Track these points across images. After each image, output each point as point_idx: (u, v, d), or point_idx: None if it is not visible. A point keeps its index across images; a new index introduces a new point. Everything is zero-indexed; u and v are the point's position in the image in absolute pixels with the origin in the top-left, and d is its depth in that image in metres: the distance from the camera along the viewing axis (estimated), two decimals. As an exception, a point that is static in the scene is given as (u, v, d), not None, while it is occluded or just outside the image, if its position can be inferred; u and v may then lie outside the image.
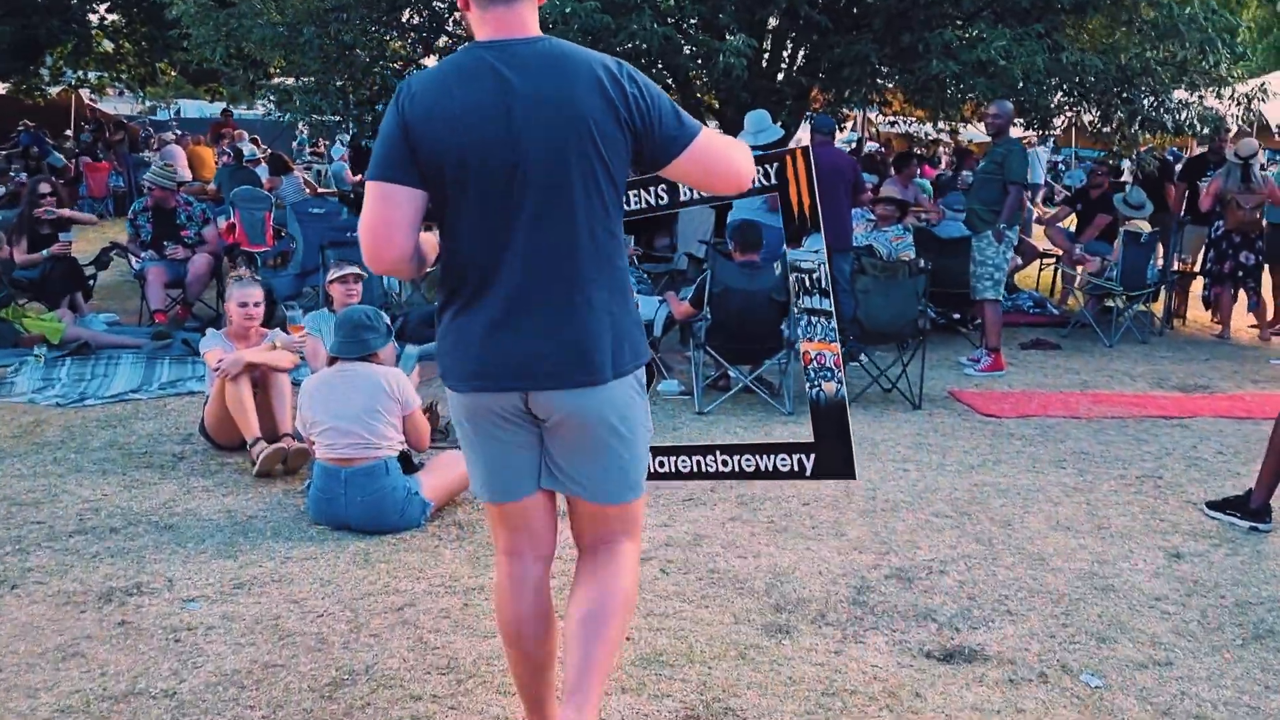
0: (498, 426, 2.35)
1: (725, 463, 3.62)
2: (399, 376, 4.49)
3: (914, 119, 14.63)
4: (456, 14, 12.27)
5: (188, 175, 16.04)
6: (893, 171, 10.73)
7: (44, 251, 8.07)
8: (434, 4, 11.54)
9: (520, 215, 2.23)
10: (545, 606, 2.50)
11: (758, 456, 3.57)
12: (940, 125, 13.01)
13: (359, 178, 15.46)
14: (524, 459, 2.40)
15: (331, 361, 4.56)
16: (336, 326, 4.50)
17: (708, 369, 6.77)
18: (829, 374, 3.16)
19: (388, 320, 4.69)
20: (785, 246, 3.20)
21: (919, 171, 11.54)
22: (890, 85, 10.52)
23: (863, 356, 6.78)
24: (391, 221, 2.21)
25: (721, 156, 2.41)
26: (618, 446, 2.37)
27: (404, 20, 11.62)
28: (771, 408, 6.52)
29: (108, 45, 24.51)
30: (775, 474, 3.56)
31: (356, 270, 5.52)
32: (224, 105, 24.16)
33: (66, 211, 8.73)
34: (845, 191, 7.88)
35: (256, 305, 5.44)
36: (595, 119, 2.23)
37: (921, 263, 6.61)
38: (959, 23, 9.24)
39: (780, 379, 6.66)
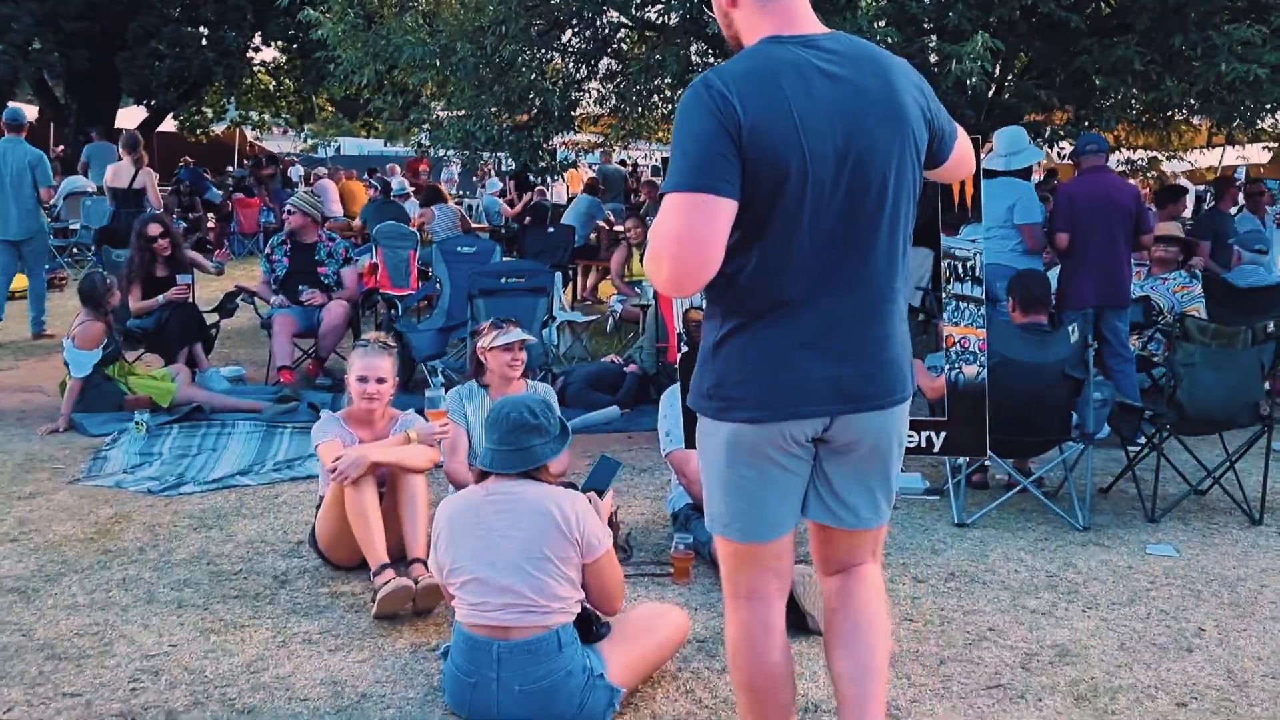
0: (787, 456, 2.24)
1: None
2: (578, 505, 3.03)
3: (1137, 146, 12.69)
4: (620, 33, 11.15)
5: (338, 210, 15.27)
6: (1153, 208, 8.85)
7: (159, 298, 7.02)
8: (596, 23, 10.33)
9: (842, 224, 2.13)
10: (788, 648, 2.41)
11: None
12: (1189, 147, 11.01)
13: (516, 210, 14.33)
14: (797, 492, 2.32)
15: (481, 476, 3.13)
16: (489, 425, 3.08)
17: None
18: (971, 357, 2.99)
19: (558, 413, 3.25)
20: (941, 233, 2.90)
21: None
22: (1143, 101, 8.67)
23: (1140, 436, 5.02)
24: (710, 239, 2.00)
25: (965, 142, 2.44)
26: (895, 465, 2.35)
27: (564, 41, 10.44)
28: (1056, 519, 4.84)
29: (267, 80, 24.48)
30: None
31: (522, 335, 4.12)
32: (408, 145, 23.69)
33: (194, 256, 7.69)
34: (1125, 231, 6.15)
35: (380, 382, 4.10)
36: (913, 122, 2.18)
37: (1270, 326, 4.84)
38: (1250, 20, 7.36)
39: (1066, 476, 4.98)
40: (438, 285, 7.93)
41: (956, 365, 3.02)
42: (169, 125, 23.06)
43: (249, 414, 6.41)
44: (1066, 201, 6.18)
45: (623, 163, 24.33)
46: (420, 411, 4.24)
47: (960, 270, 2.92)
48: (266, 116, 27.20)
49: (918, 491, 5.23)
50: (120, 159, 10.00)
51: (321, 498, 4.08)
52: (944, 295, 2.98)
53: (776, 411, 2.17)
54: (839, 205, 2.10)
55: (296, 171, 21.34)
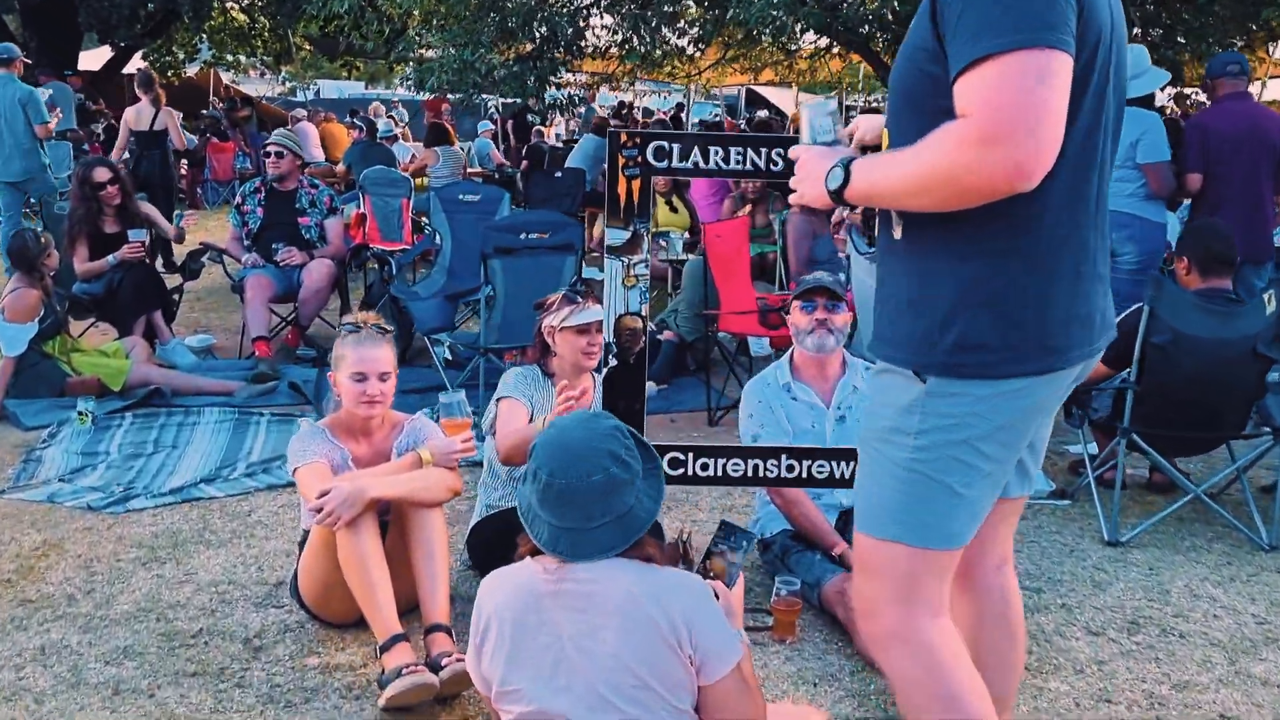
0: (1043, 415, 1.89)
1: (791, 468, 2.77)
2: (693, 603, 1.97)
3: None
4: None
5: (319, 155, 14.08)
6: None
7: (110, 258, 5.93)
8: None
9: (1094, 120, 1.74)
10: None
11: (833, 462, 2.81)
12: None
13: (514, 155, 13.18)
14: None
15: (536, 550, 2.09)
16: (544, 496, 2.00)
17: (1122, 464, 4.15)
18: None
19: (646, 448, 2.17)
20: None
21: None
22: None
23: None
24: (1060, 109, 1.57)
25: None
26: None
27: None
28: (1226, 533, 3.87)
29: (240, 17, 23.08)
30: (853, 482, 2.49)
31: (599, 314, 3.02)
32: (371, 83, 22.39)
33: (150, 210, 6.55)
34: (1268, 169, 5.12)
35: (384, 379, 3.05)
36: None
37: None
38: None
39: (1238, 478, 4.00)
40: (437, 239, 6.85)
41: None
42: (138, 66, 21.70)
43: (218, 397, 5.37)
44: (1199, 135, 5.14)
45: (620, 103, 23.11)
46: (435, 417, 3.22)
47: None
48: (242, 58, 25.81)
49: (1042, 495, 4.25)
50: (139, 99, 9.37)
51: (305, 533, 3.06)
52: None
53: (1071, 354, 1.78)
54: (1098, 99, 1.73)
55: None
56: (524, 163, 13.97)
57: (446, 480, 2.98)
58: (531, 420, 3.23)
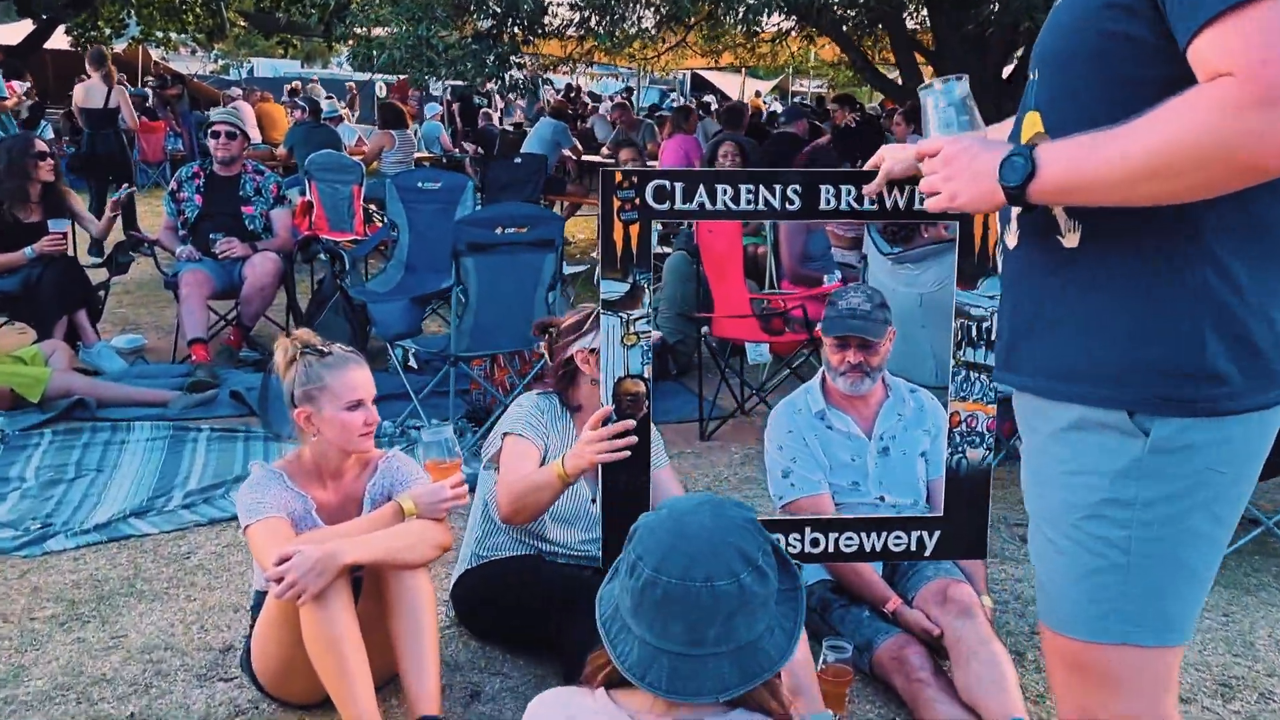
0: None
1: (816, 542, 2.44)
2: None
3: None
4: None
5: (256, 137, 13.34)
6: None
7: (27, 250, 5.28)
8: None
9: None
10: None
11: (863, 534, 2.46)
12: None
13: (470, 143, 12.60)
14: None
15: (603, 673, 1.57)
16: (638, 601, 1.48)
17: None
18: (978, 439, 2.41)
19: (785, 560, 1.59)
20: (955, 287, 2.31)
21: None
22: None
23: None
24: None
25: None
26: None
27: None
28: (1295, 567, 3.50)
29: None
30: (886, 554, 2.47)
31: (649, 321, 2.50)
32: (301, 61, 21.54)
33: (74, 202, 5.85)
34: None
35: (368, 424, 2.53)
36: None
37: None
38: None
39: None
40: (393, 232, 6.28)
41: (960, 449, 2.41)
42: (62, 42, 20.60)
43: (150, 408, 4.78)
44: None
45: (569, 86, 22.53)
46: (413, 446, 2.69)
47: (973, 334, 2.37)
48: (172, 34, 24.75)
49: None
50: (88, 76, 8.90)
51: (260, 594, 2.53)
52: (952, 364, 2.39)
53: None
54: None
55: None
56: (472, 148, 13.39)
57: (434, 536, 2.47)
58: (545, 463, 2.73)
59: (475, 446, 4.40)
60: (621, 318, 2.27)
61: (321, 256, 6.23)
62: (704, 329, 4.90)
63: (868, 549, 2.48)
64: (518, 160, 8.87)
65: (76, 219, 5.65)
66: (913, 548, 2.50)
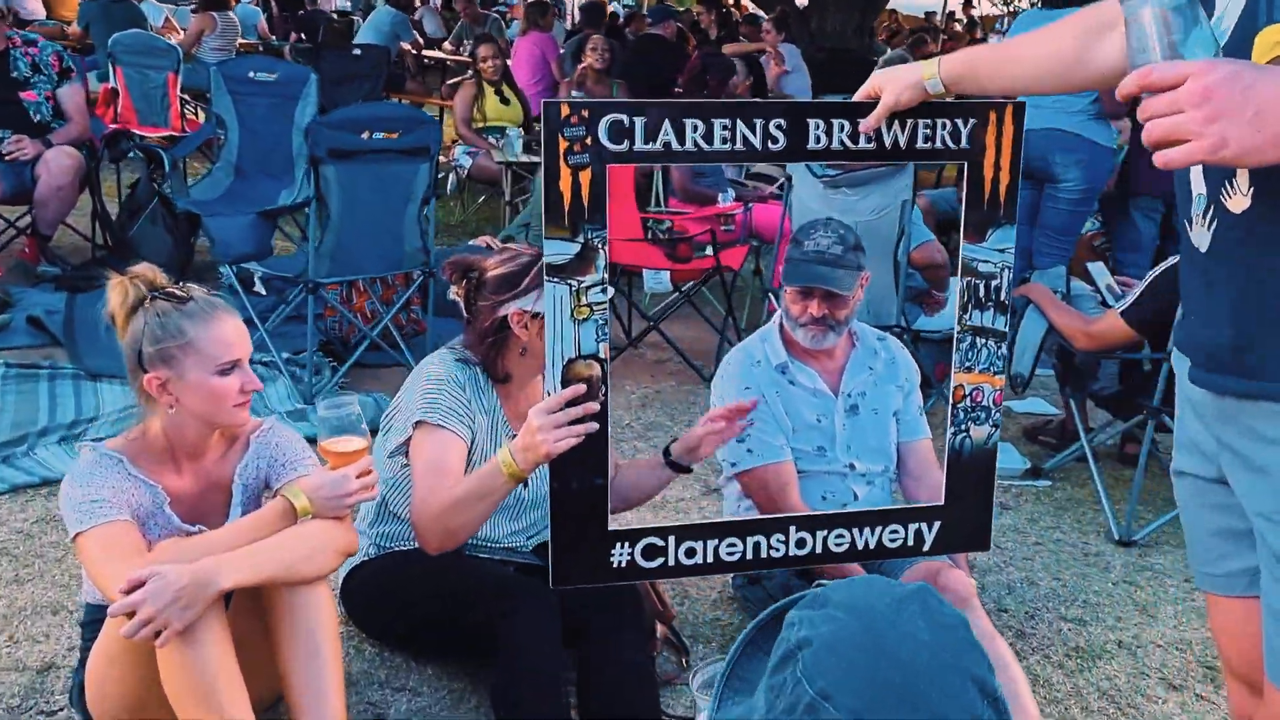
0: None
1: (802, 543, 2.09)
2: None
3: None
4: None
5: (38, 10, 11.71)
6: None
7: None
8: None
9: None
10: None
11: (854, 530, 2.12)
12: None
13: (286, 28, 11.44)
14: None
15: None
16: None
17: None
18: (983, 415, 2.07)
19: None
20: (961, 239, 2.02)
21: None
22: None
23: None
24: None
25: None
26: None
27: None
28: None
29: None
30: (881, 552, 2.15)
31: (604, 290, 1.92)
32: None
33: None
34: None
35: (245, 391, 1.92)
36: None
37: None
38: None
39: None
40: (219, 129, 5.43)
41: (963, 426, 2.08)
42: None
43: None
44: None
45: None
46: (309, 438, 2.11)
47: (981, 293, 2.06)
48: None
49: (1016, 474, 3.58)
50: None
51: (94, 610, 1.92)
52: (956, 329, 2.08)
53: None
54: None
55: None
56: (294, 35, 12.17)
57: (336, 539, 1.90)
58: (472, 456, 2.18)
59: (332, 388, 3.79)
60: (570, 286, 1.81)
61: (134, 155, 5.32)
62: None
63: (860, 546, 2.13)
64: (356, 52, 7.97)
65: None
66: (910, 542, 2.16)
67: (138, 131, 6.10)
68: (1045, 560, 3.03)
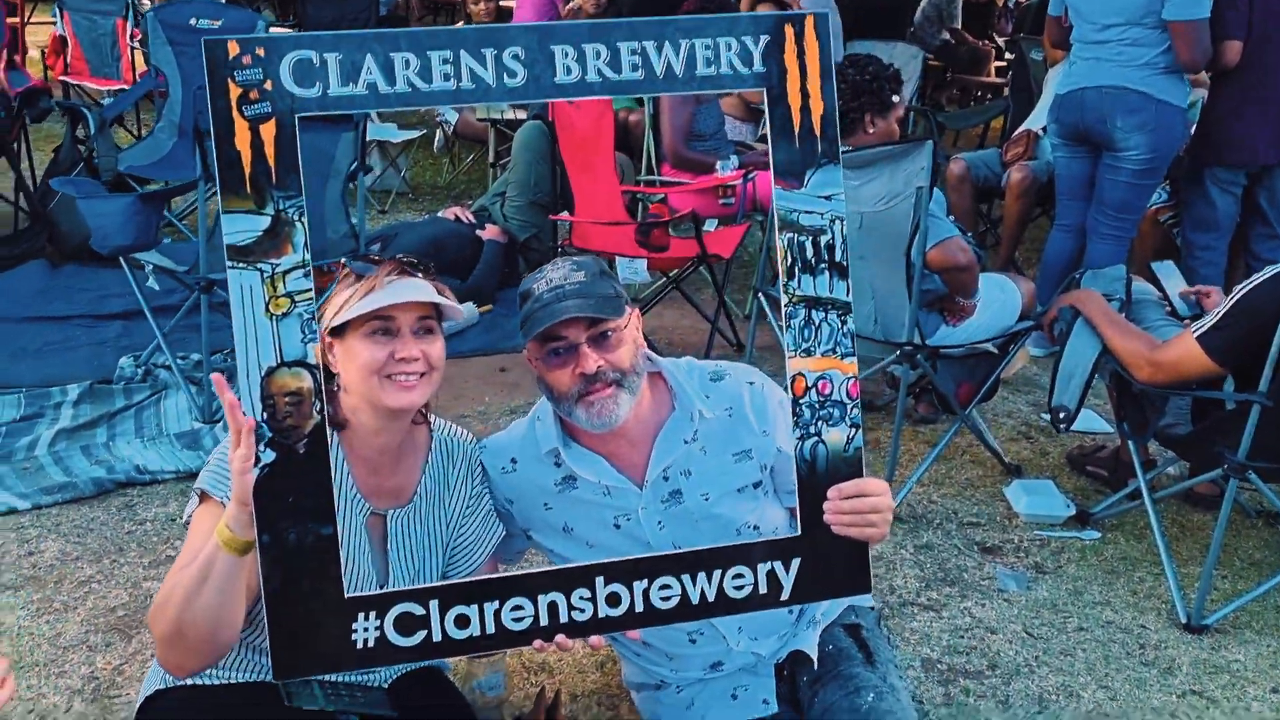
0: None
1: (615, 599, 1.61)
2: None
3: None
4: None
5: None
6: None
7: None
8: None
9: None
10: None
11: (684, 577, 1.63)
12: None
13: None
14: None
15: None
16: None
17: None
18: (836, 411, 1.62)
19: None
20: (773, 185, 1.61)
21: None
22: None
23: None
24: None
25: None
26: None
27: None
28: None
29: None
30: (724, 604, 1.65)
31: (420, 289, 1.54)
32: None
33: None
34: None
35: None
36: None
37: None
38: None
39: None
40: (161, 82, 4.83)
41: (814, 429, 1.59)
42: None
43: None
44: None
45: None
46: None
47: (809, 252, 1.56)
48: None
49: (1057, 522, 2.91)
50: None
51: None
52: (784, 300, 1.57)
53: None
54: None
55: None
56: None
57: None
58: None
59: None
60: (261, 271, 1.45)
61: (56, 111, 4.73)
62: (561, 239, 3.71)
63: (695, 600, 1.63)
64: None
65: None
66: (763, 589, 1.66)
67: (91, 85, 5.60)
68: (1090, 656, 2.37)
